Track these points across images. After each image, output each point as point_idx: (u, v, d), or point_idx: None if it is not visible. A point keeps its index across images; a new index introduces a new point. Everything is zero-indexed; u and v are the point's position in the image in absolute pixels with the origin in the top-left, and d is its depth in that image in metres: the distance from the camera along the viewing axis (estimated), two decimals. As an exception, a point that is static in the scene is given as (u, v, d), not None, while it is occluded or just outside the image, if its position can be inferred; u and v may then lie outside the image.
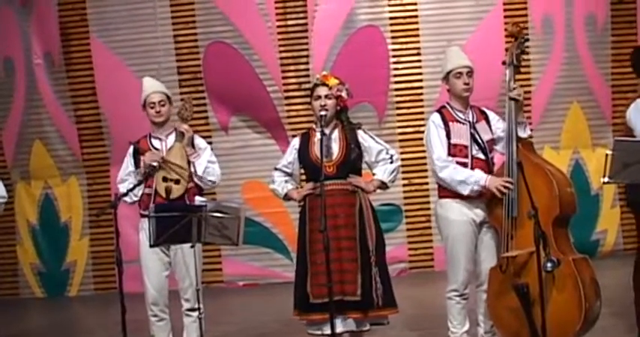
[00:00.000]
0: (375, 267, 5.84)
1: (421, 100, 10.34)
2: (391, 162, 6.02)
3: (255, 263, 10.51)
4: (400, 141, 10.35)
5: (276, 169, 6.15)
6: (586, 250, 9.02)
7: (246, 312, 8.93)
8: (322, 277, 5.57)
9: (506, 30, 9.41)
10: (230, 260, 10.49)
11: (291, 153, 6.08)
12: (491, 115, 6.07)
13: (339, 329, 5.80)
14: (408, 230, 10.48)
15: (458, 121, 5.90)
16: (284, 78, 10.44)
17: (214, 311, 8.54)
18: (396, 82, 10.43)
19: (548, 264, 5.25)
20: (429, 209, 10.20)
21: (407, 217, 10.46)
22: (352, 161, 5.93)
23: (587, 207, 10.16)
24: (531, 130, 9.95)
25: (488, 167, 5.88)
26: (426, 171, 10.11)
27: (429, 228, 10.24)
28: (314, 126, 6.03)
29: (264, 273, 10.46)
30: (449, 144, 5.84)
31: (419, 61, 10.36)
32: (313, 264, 5.80)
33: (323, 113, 5.83)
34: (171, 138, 6.34)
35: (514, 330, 5.63)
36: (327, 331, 5.67)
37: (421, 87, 10.34)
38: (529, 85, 10.33)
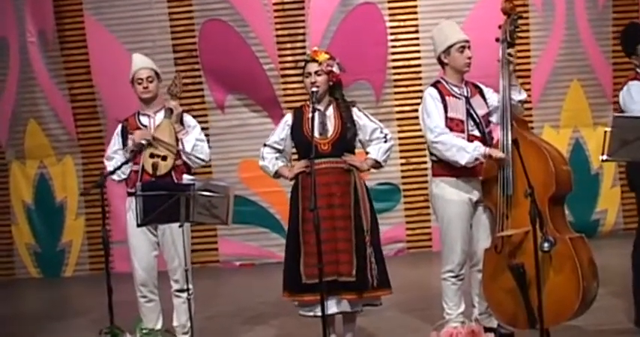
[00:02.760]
0: (370, 247, 5.74)
1: (419, 78, 10.23)
2: (385, 142, 5.91)
3: (251, 243, 10.45)
4: (398, 119, 10.29)
5: (265, 145, 6.00)
6: (586, 230, 8.96)
7: (241, 293, 8.88)
8: (315, 257, 5.45)
9: (506, 6, 9.40)
10: (226, 240, 10.43)
11: (284, 130, 5.94)
12: (485, 89, 5.98)
13: (332, 310, 5.73)
14: (406, 209, 10.42)
15: (454, 96, 5.80)
16: (280, 56, 10.35)
17: (209, 291, 8.52)
18: (394, 60, 10.33)
19: (545, 244, 5.15)
20: (426, 188, 10.06)
21: (405, 196, 10.40)
22: (348, 139, 5.82)
23: (588, 186, 10.11)
24: (531, 109, 10.08)
25: (484, 143, 5.76)
26: (424, 149, 9.93)
27: (427, 207, 10.12)
28: (307, 102, 5.90)
29: (260, 253, 10.39)
30: (446, 117, 5.73)
31: (417, 38, 10.26)
32: (306, 244, 5.68)
33: (314, 90, 5.72)
34: (160, 115, 6.27)
35: (510, 311, 5.55)
36: (319, 312, 5.53)
37: (419, 65, 10.25)
38: (528, 63, 10.25)
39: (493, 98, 5.91)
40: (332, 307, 5.72)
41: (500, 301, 5.59)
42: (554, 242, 5.21)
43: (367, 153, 5.93)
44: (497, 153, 5.57)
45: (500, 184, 5.57)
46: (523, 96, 5.85)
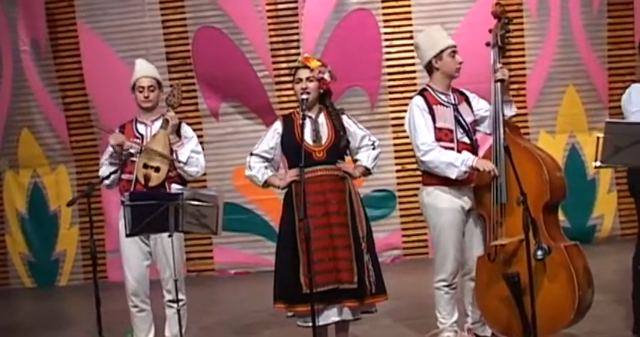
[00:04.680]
0: (367, 254, 5.69)
1: (414, 84, 10.14)
2: (373, 149, 5.86)
3: (246, 251, 10.40)
4: (393, 126, 10.21)
5: (252, 155, 5.88)
6: (582, 236, 8.95)
7: (236, 301, 8.83)
8: (316, 266, 5.38)
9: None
10: (221, 248, 10.39)
11: (273, 138, 5.84)
12: (471, 96, 5.93)
13: (334, 318, 5.68)
14: (401, 216, 10.36)
15: (441, 104, 5.74)
16: (274, 63, 10.31)
17: (204, 300, 8.47)
18: (389, 66, 10.30)
19: (539, 252, 5.10)
20: (423, 195, 10.09)
21: (400, 203, 10.35)
22: (342, 146, 5.76)
23: (584, 192, 10.07)
24: (526, 114, 10.04)
25: (473, 150, 5.71)
26: (419, 156, 9.99)
27: (423, 214, 10.11)
28: (297, 110, 5.83)
29: (255, 261, 10.33)
30: (434, 128, 5.67)
31: (411, 44, 10.12)
32: (304, 253, 5.53)
33: (304, 96, 5.65)
34: (158, 124, 6.20)
35: (504, 320, 5.50)
36: (321, 322, 5.53)
37: (414, 72, 10.17)
38: (524, 68, 10.22)
39: (479, 106, 5.86)
40: (333, 316, 5.67)
41: (494, 310, 5.54)
42: (549, 250, 5.16)
43: (355, 160, 5.88)
44: (484, 166, 5.50)
45: (494, 192, 5.51)
46: (513, 112, 5.79)
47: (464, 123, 5.72)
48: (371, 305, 5.78)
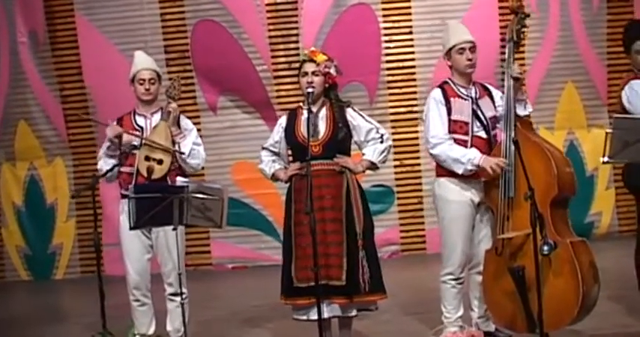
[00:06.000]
0: (362, 251, 5.64)
1: (414, 80, 10.18)
2: (381, 142, 5.80)
3: (244, 245, 10.38)
4: (392, 121, 10.21)
5: (263, 148, 5.94)
6: (580, 232, 8.89)
7: (235, 296, 8.82)
8: (306, 260, 5.42)
9: (500, 8, 9.34)
10: (219, 242, 10.36)
11: (278, 132, 5.88)
12: (495, 92, 5.90)
13: (324, 314, 5.61)
14: (399, 212, 10.34)
15: (460, 97, 5.72)
16: (273, 57, 10.29)
17: (202, 294, 8.42)
18: (388, 61, 10.27)
19: (545, 247, 5.09)
20: (421, 190, 10.12)
21: (399, 199, 10.33)
22: (339, 140, 5.72)
23: (582, 188, 9.87)
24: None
25: (489, 145, 5.69)
26: (417, 152, 10.03)
27: (421, 210, 10.14)
28: (302, 104, 5.82)
29: (253, 256, 10.33)
30: (449, 120, 5.65)
31: (411, 39, 10.20)
32: (298, 247, 5.62)
33: (310, 90, 5.64)
34: (157, 116, 6.18)
35: (509, 314, 5.48)
36: (313, 316, 5.50)
37: (413, 67, 10.18)
38: (523, 65, 10.17)
39: (500, 104, 5.80)
40: (323, 311, 5.61)
41: (499, 303, 5.51)
42: (555, 245, 5.15)
43: (363, 154, 5.84)
44: (490, 165, 5.47)
45: (502, 186, 5.50)
46: (527, 112, 5.76)
47: (482, 118, 5.70)
48: (367, 303, 5.74)
